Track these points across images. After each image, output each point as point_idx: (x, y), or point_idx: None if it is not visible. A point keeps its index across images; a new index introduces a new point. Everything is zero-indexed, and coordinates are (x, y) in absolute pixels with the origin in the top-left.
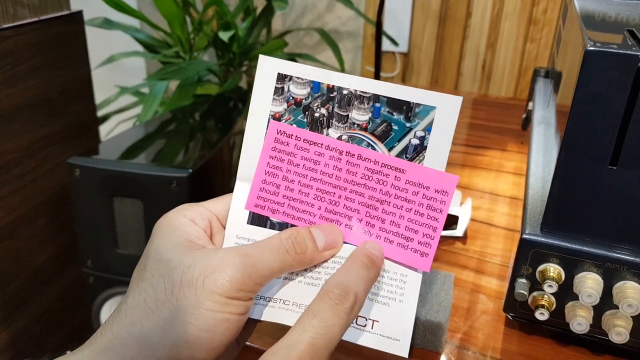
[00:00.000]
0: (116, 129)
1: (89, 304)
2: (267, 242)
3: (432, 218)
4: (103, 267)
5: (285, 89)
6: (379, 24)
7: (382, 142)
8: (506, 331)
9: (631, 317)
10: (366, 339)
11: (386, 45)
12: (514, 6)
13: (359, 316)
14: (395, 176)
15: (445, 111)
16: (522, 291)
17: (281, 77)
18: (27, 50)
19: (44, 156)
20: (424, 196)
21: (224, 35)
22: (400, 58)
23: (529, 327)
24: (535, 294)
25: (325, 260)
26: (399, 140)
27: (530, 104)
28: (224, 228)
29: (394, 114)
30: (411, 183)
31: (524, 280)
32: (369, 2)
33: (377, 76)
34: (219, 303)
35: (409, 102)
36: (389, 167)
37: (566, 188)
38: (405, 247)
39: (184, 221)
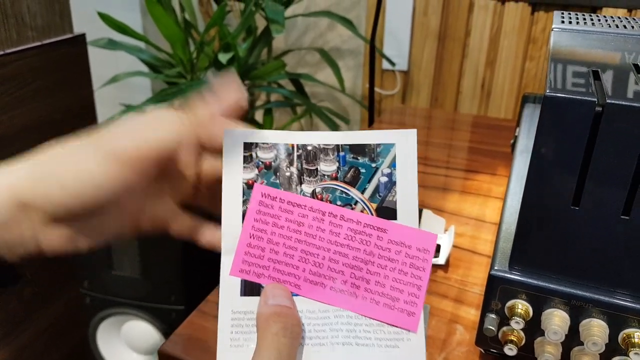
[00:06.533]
0: None
1: (87, 323)
2: None
3: (416, 277)
4: (99, 288)
5: (254, 155)
6: (372, 46)
7: (354, 187)
8: None
9: (598, 354)
10: None
11: (387, 63)
12: (512, 25)
13: None
14: (378, 236)
15: (403, 145)
16: (490, 327)
17: (247, 146)
18: (31, 73)
19: None
20: (407, 255)
21: (223, 57)
22: (401, 76)
23: None
24: (504, 329)
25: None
26: (369, 182)
27: (518, 129)
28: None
29: (359, 158)
30: (393, 242)
31: (493, 316)
32: (370, 21)
33: (371, 94)
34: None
35: (370, 145)
36: (372, 227)
37: (531, 227)
38: (392, 308)
39: (169, 138)
